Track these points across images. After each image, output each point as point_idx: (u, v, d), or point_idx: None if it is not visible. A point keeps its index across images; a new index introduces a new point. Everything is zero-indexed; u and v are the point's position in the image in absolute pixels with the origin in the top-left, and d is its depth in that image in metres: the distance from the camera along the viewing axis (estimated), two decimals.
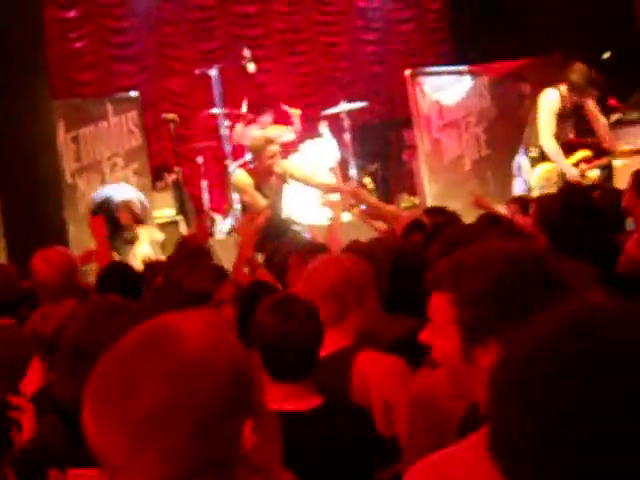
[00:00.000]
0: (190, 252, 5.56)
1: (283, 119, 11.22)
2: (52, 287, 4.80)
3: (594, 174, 9.02)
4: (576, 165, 9.04)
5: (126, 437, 1.38)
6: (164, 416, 1.38)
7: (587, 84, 8.96)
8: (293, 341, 2.89)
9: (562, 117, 9.09)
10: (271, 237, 7.12)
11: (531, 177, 9.09)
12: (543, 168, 9.04)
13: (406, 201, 11.77)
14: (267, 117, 11.04)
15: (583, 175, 8.94)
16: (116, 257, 7.74)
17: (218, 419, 1.42)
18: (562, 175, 8.90)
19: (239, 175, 9.05)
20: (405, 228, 5.64)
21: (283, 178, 8.85)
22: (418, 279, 2.29)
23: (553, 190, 8.65)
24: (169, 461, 1.38)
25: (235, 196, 10.20)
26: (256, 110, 11.10)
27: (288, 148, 11.10)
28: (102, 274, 5.22)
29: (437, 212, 6.09)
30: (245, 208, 8.96)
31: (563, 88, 8.99)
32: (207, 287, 3.66)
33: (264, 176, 8.73)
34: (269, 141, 8.73)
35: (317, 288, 3.40)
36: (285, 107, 11.25)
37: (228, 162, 10.33)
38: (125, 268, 5.44)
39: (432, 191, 10.85)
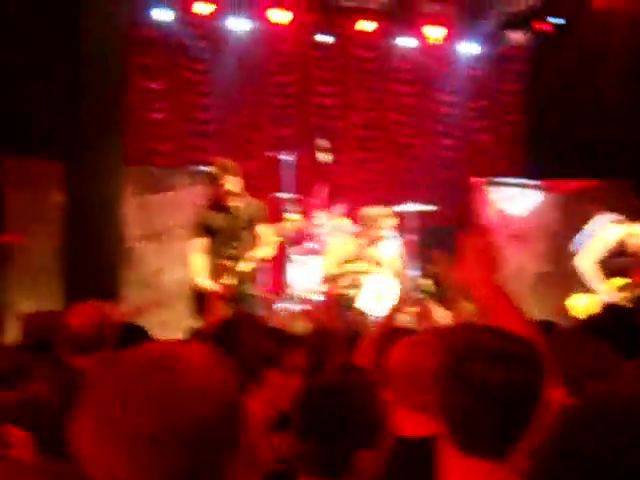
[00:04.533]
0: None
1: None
2: (82, 338, 4.84)
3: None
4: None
5: (124, 452, 1.43)
6: (157, 436, 1.42)
7: None
8: None
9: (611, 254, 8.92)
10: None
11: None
12: (584, 303, 8.87)
13: (466, 306, 11.67)
14: (338, 206, 11.15)
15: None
16: None
17: (206, 446, 1.45)
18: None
19: None
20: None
21: None
22: None
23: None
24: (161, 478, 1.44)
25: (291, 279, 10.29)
26: (326, 199, 11.23)
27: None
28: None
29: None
30: None
31: (627, 230, 8.87)
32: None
33: None
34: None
35: None
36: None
37: (289, 247, 10.44)
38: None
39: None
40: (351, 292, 9.52)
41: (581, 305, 8.80)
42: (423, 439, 3.07)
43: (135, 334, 5.05)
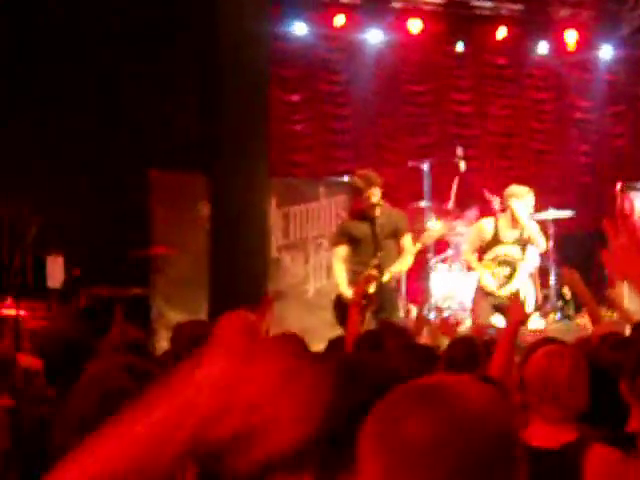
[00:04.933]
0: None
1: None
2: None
3: None
4: None
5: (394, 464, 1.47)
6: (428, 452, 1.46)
7: None
8: None
9: None
10: None
11: None
12: None
13: (604, 315, 11.56)
14: (473, 212, 11.16)
15: None
16: None
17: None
18: None
19: None
20: (602, 337, 5.58)
21: None
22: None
23: None
24: None
25: (432, 289, 10.37)
26: (461, 207, 11.24)
27: None
28: None
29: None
30: None
31: None
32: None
33: None
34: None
35: None
36: (487, 195, 11.24)
37: (429, 256, 10.50)
38: None
39: (632, 307, 10.63)
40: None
41: None
42: (556, 450, 3.14)
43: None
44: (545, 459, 3.01)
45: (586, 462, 3.14)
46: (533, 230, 9.54)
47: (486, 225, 9.67)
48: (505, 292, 9.44)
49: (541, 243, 9.59)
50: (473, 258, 9.72)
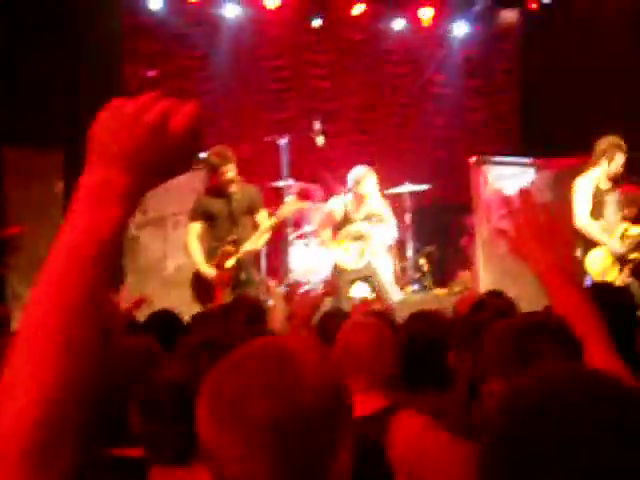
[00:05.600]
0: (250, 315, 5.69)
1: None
2: None
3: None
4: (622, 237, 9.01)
5: (242, 439, 1.53)
6: (275, 425, 1.52)
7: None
8: None
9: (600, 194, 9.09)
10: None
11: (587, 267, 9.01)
12: (595, 256, 9.00)
13: (459, 284, 11.84)
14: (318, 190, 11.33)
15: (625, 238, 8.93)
16: None
17: (321, 432, 1.56)
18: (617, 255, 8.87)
19: None
20: (471, 307, 5.79)
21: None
22: None
23: (614, 275, 8.72)
24: (277, 462, 1.53)
25: (291, 264, 10.46)
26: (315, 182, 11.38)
27: None
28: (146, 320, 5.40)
29: (497, 296, 6.21)
30: None
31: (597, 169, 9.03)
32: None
33: None
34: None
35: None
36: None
37: (289, 231, 10.56)
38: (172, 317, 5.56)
39: (486, 278, 10.90)
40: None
41: (596, 261, 8.93)
42: (365, 417, 3.25)
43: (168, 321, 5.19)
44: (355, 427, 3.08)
45: (391, 429, 3.24)
46: (380, 208, 9.79)
47: (335, 206, 9.87)
48: (358, 266, 9.66)
49: (390, 219, 9.85)
50: (327, 237, 9.91)
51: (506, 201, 2.67)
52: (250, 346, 1.64)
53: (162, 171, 1.52)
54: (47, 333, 1.37)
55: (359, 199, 9.81)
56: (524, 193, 2.61)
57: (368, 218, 9.88)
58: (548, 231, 2.62)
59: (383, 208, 9.95)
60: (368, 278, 9.84)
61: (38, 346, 1.37)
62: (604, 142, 9.05)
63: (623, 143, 9.00)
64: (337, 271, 9.92)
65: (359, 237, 9.80)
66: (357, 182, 9.73)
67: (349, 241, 9.80)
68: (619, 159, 8.99)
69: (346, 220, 9.88)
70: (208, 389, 1.59)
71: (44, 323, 1.38)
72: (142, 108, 1.47)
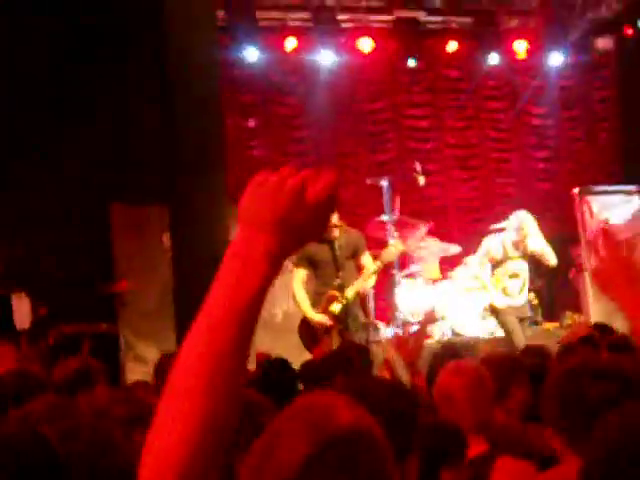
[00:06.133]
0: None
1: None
2: None
3: None
4: None
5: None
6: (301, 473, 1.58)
7: None
8: None
9: None
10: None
11: None
12: None
13: (569, 318, 11.68)
14: (423, 228, 11.30)
15: None
16: None
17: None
18: None
19: None
20: (579, 340, 5.75)
21: None
22: None
23: None
24: None
25: (398, 304, 10.47)
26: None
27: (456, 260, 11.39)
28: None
29: (606, 329, 6.16)
30: None
31: None
32: None
33: None
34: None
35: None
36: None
37: (395, 271, 10.58)
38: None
39: (597, 311, 10.74)
40: None
41: None
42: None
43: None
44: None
45: (493, 473, 3.23)
46: (541, 247, 9.93)
47: (493, 245, 9.97)
48: (518, 304, 9.88)
49: (550, 255, 9.93)
50: (484, 274, 10.00)
51: (590, 240, 2.67)
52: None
53: (303, 233, 1.66)
54: (196, 378, 1.53)
55: (520, 238, 9.83)
56: (605, 231, 2.59)
57: (526, 256, 9.93)
58: (628, 267, 2.56)
59: (544, 247, 9.96)
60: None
61: (187, 389, 1.53)
62: None
63: None
64: (493, 312, 10.06)
65: (515, 275, 9.86)
66: (520, 226, 9.81)
67: (506, 279, 9.83)
68: None
69: (505, 259, 9.92)
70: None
71: (194, 368, 1.54)
72: (283, 179, 1.63)
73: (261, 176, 1.65)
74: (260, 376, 5.34)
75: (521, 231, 9.77)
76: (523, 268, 9.90)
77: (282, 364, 5.61)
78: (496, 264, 9.90)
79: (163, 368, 5.27)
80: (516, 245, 9.84)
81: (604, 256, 2.59)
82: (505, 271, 9.85)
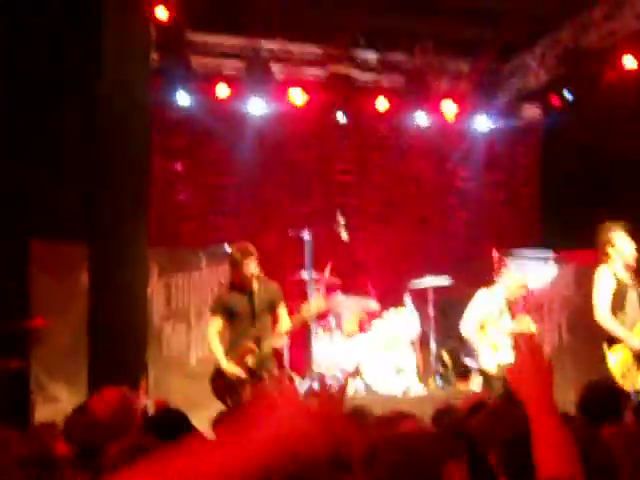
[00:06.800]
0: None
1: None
2: (107, 425, 4.96)
3: None
4: None
5: None
6: None
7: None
8: None
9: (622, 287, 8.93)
10: None
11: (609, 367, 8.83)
12: (616, 357, 8.73)
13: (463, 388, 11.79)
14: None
15: None
16: None
17: None
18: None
19: None
20: (470, 408, 5.79)
21: None
22: None
23: (634, 377, 8.53)
24: None
25: (315, 357, 10.50)
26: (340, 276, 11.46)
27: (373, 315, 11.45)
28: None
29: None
30: None
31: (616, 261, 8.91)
32: None
33: None
34: None
35: None
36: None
37: (312, 324, 10.63)
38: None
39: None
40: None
41: (617, 362, 8.74)
42: None
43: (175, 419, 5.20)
44: None
45: None
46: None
47: (488, 304, 10.16)
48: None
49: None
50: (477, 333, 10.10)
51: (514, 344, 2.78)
52: None
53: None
54: None
55: (514, 299, 10.16)
56: (527, 337, 2.74)
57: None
58: (540, 371, 2.68)
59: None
60: None
61: None
62: (604, 232, 9.00)
63: (624, 228, 8.95)
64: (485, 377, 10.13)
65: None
66: (510, 285, 10.12)
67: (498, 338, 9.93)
68: (626, 246, 8.92)
69: (500, 317, 10.04)
70: None
71: None
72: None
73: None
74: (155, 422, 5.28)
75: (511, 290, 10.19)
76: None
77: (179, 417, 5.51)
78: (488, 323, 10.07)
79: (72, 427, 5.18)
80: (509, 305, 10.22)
81: (522, 358, 2.70)
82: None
